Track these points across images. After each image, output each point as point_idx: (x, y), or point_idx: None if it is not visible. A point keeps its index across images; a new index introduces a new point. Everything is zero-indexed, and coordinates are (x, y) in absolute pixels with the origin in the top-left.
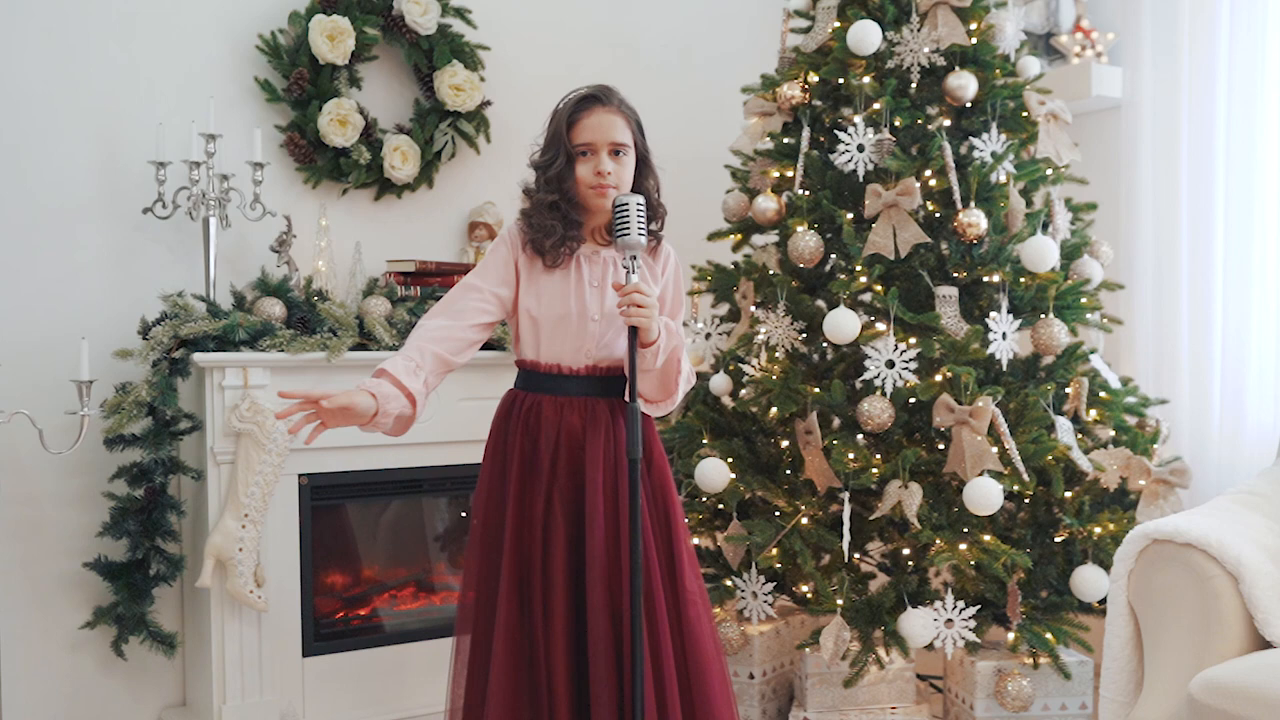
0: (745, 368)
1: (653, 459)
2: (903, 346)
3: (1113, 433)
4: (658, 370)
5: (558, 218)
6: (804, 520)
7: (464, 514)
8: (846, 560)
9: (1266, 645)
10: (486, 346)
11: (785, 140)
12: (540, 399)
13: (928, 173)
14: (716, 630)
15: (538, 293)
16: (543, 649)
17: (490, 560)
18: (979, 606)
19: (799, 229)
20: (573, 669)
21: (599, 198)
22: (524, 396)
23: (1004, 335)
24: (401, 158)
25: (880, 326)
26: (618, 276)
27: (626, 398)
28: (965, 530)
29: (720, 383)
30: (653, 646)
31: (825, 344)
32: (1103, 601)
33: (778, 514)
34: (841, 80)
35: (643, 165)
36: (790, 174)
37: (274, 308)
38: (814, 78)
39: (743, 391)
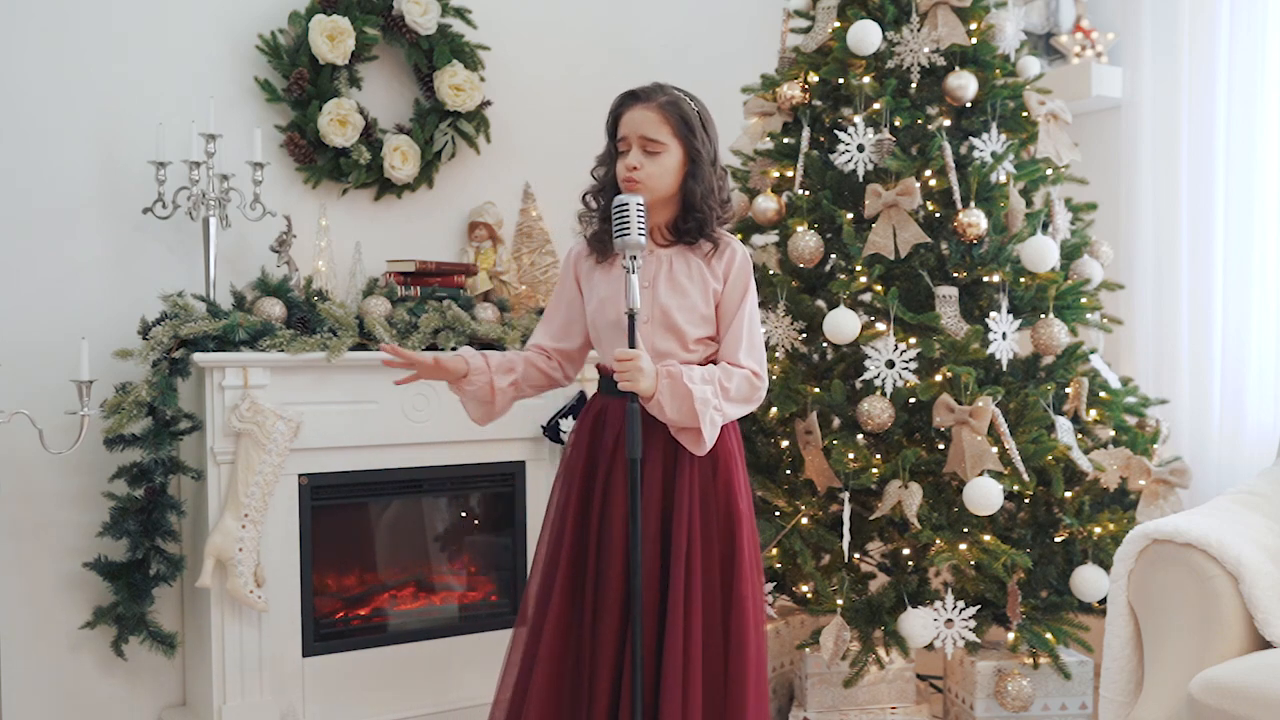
0: None
1: (718, 464)
2: (903, 346)
3: (1113, 433)
4: (669, 416)
5: (601, 210)
6: (804, 520)
7: (464, 514)
8: (846, 560)
9: (1266, 645)
10: (485, 346)
11: (785, 140)
12: (608, 402)
13: (928, 173)
14: (762, 639)
15: (595, 297)
16: (589, 648)
17: (550, 559)
18: (979, 606)
19: (799, 229)
20: (616, 671)
21: (628, 194)
22: (597, 399)
23: (1004, 335)
24: (401, 158)
25: (880, 326)
26: (670, 275)
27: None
28: (965, 530)
29: None
30: (685, 651)
31: (825, 344)
32: (1103, 601)
33: (778, 514)
34: (841, 80)
35: (693, 165)
36: (790, 174)
37: (274, 308)
38: (814, 78)
39: None
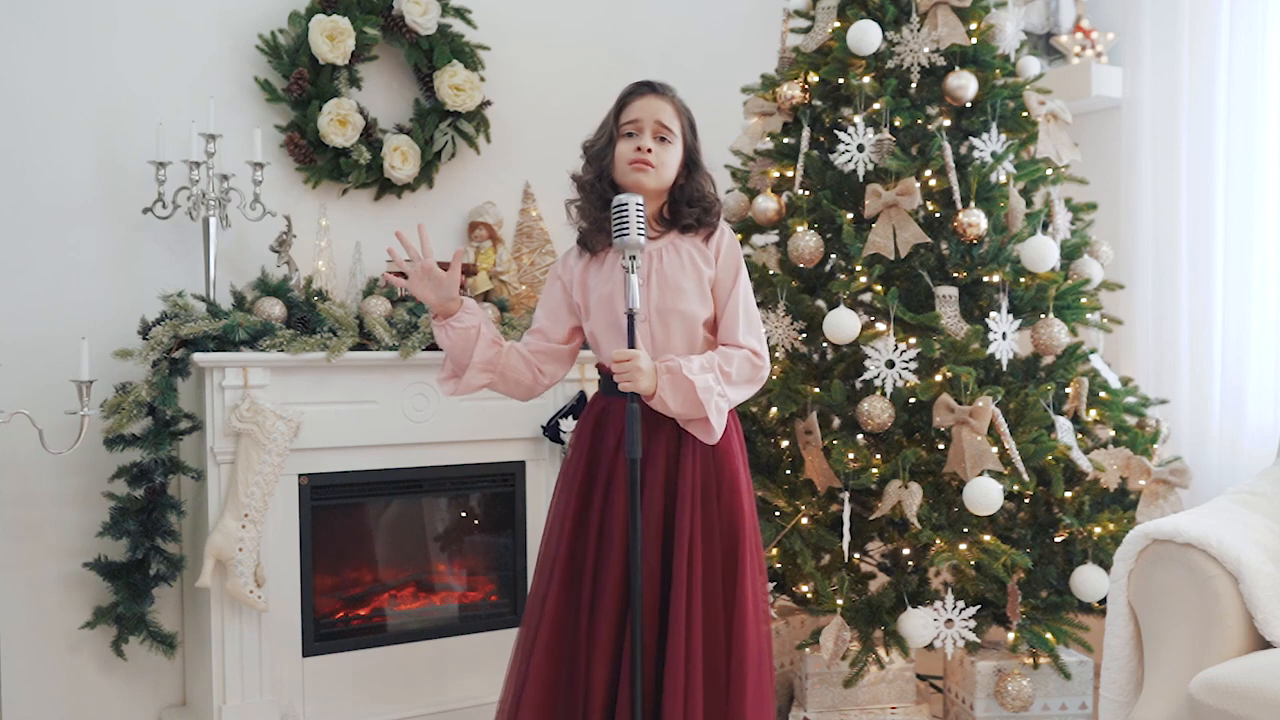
0: None
1: (721, 462)
2: (903, 346)
3: (1113, 433)
4: (674, 410)
5: (594, 197)
6: (804, 520)
7: (464, 514)
8: (846, 560)
9: (1266, 645)
10: None
11: (785, 140)
12: (609, 402)
13: (928, 173)
14: (764, 639)
15: (593, 297)
16: (585, 648)
17: (548, 561)
18: (979, 606)
19: (799, 229)
20: (613, 668)
21: (636, 172)
22: (599, 400)
23: (1004, 335)
24: (401, 158)
25: (880, 326)
26: (661, 270)
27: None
28: (965, 530)
29: None
30: (687, 650)
31: (825, 344)
32: (1103, 601)
33: (778, 514)
34: (841, 80)
35: (692, 165)
36: (790, 174)
37: (274, 308)
38: (814, 78)
39: None
